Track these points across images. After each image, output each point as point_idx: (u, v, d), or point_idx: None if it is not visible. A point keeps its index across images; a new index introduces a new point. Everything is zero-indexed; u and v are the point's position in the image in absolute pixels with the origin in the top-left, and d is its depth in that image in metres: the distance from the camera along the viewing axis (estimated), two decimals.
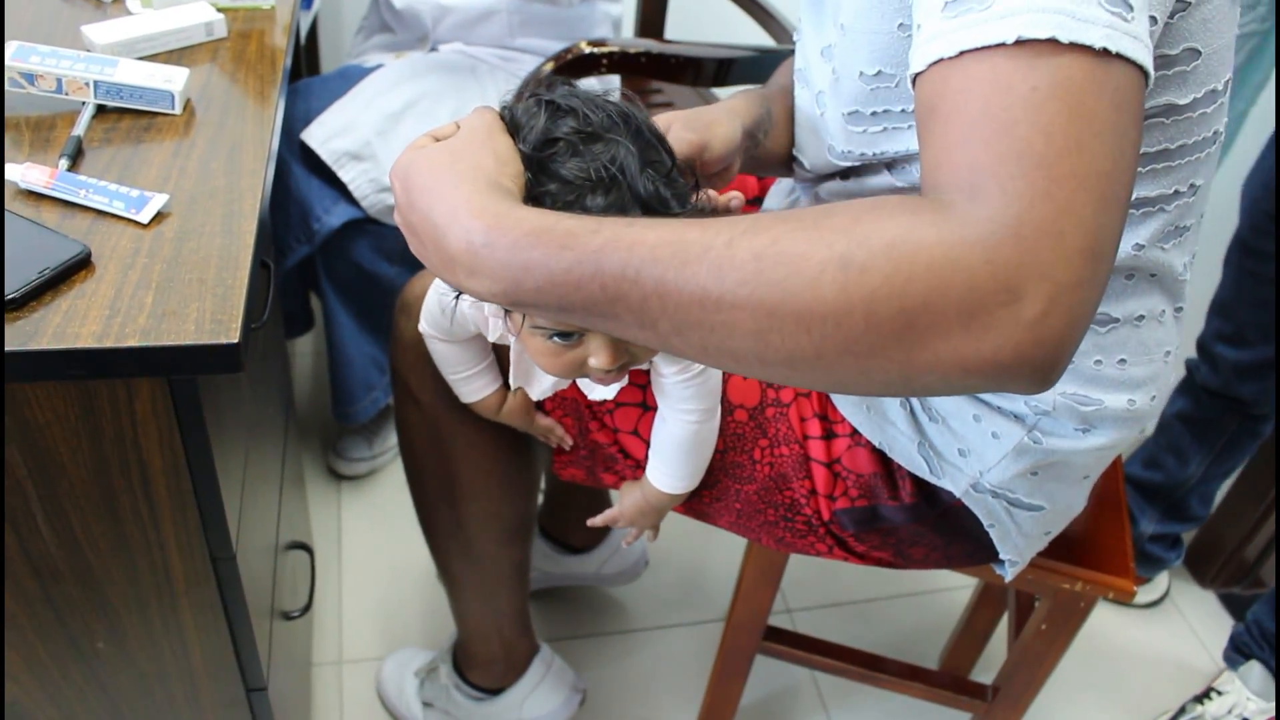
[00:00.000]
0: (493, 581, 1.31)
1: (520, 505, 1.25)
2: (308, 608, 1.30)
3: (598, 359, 0.75)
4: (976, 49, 0.57)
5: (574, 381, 1.02)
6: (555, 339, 0.76)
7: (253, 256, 0.85)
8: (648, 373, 0.99)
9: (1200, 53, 0.73)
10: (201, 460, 0.85)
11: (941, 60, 0.59)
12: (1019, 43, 0.56)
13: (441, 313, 0.96)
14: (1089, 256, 0.54)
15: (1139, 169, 0.78)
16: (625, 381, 0.97)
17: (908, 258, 0.54)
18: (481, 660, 1.42)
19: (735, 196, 0.95)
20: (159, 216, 0.88)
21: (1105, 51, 0.56)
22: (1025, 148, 0.55)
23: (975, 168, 0.56)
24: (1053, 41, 0.56)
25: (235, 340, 0.77)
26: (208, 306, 0.79)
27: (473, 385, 1.05)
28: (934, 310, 0.54)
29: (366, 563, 1.75)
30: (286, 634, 1.24)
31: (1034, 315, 0.53)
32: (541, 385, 0.98)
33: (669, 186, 0.74)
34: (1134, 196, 0.79)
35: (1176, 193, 0.81)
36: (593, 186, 0.70)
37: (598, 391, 0.96)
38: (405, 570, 1.73)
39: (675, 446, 0.98)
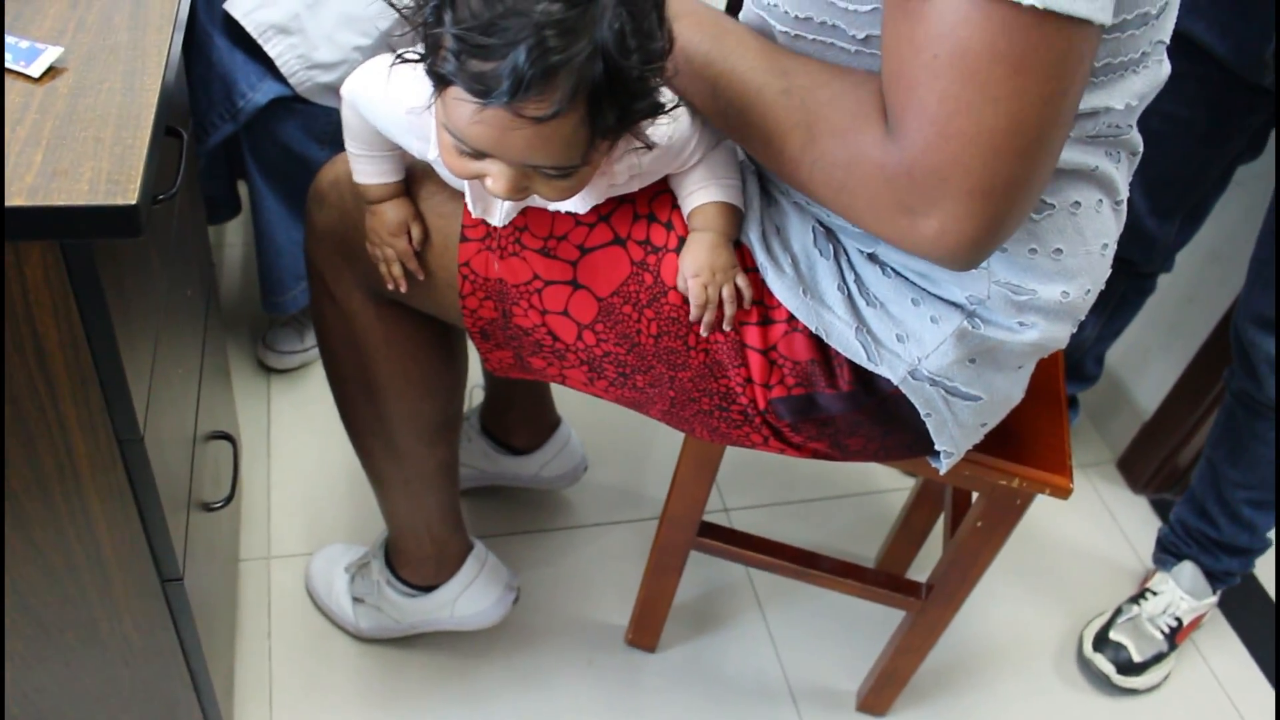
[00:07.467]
0: (418, 481, 1.28)
1: (443, 404, 1.22)
2: (229, 499, 1.26)
3: (494, 183, 0.78)
4: None
5: (499, 259, 0.98)
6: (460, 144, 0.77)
7: (155, 117, 0.79)
8: (580, 248, 0.96)
9: None
10: (102, 334, 0.80)
11: None
12: None
13: (391, 100, 0.89)
14: (977, 195, 0.71)
15: None
16: (591, 200, 0.94)
17: (858, 170, 0.77)
18: (412, 558, 1.40)
19: None
20: (52, 71, 0.81)
21: (1033, 9, 0.65)
22: (923, 108, 0.70)
23: (894, 108, 0.73)
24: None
25: (133, 202, 0.71)
26: (104, 167, 0.74)
27: (370, 166, 0.99)
28: (875, 205, 0.77)
29: (296, 457, 1.71)
30: (207, 525, 1.20)
31: (930, 232, 0.74)
32: (501, 209, 0.95)
33: (639, 44, 0.72)
34: None
35: (1109, 109, 0.82)
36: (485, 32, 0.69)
37: (565, 203, 0.94)
38: (336, 465, 1.70)
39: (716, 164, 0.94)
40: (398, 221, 1.01)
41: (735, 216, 0.94)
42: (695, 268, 0.92)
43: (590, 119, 0.73)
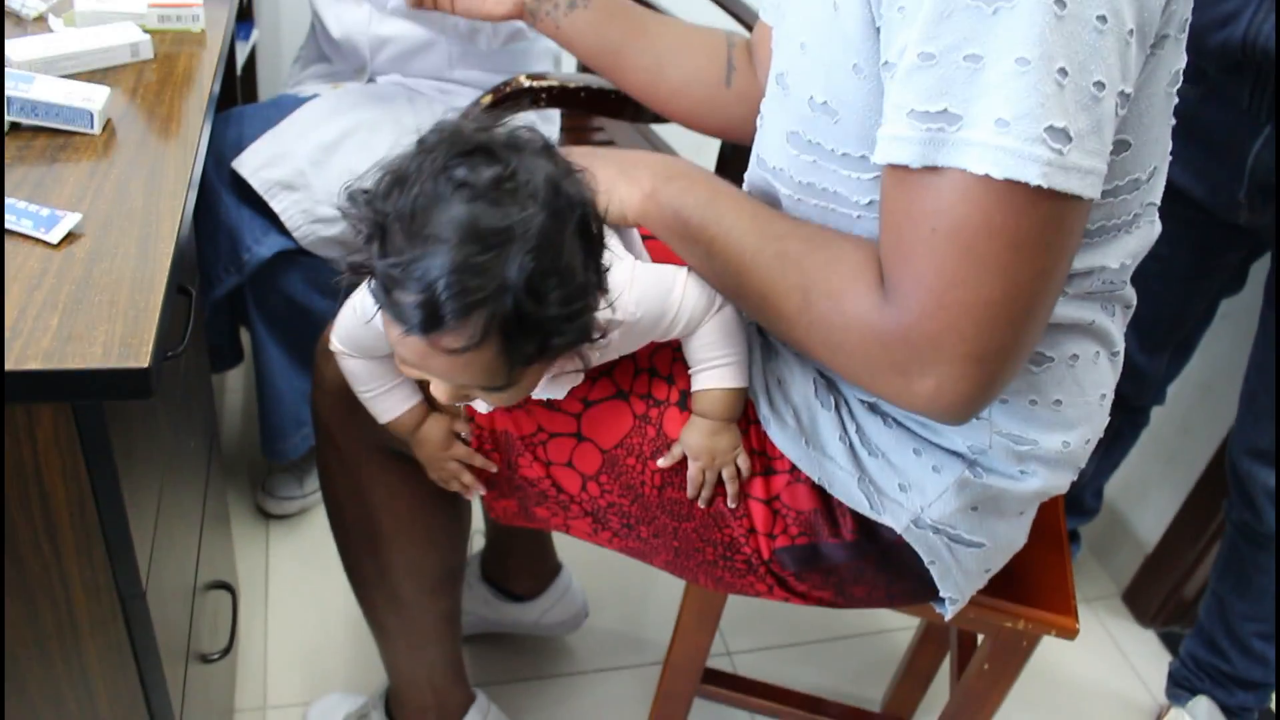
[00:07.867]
0: (420, 631, 1.27)
1: (445, 555, 1.22)
2: (228, 650, 1.25)
3: (433, 389, 0.80)
4: (917, 169, 0.71)
5: (504, 411, 0.99)
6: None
7: (168, 279, 0.81)
8: (583, 401, 0.97)
9: (1131, 145, 0.77)
10: (109, 493, 0.81)
11: (894, 165, 0.72)
12: (959, 171, 0.69)
13: (359, 320, 0.92)
14: (972, 360, 0.73)
15: None
16: (574, 381, 0.94)
17: (854, 333, 0.78)
18: (414, 709, 1.37)
19: None
20: (70, 237, 0.84)
21: (1029, 187, 0.68)
22: (919, 277, 0.72)
23: (891, 275, 0.75)
24: (985, 177, 0.68)
25: (145, 365, 0.73)
26: (117, 330, 0.76)
27: (386, 402, 1.01)
28: (870, 366, 0.78)
29: (294, 604, 1.69)
30: (204, 678, 1.18)
31: (926, 392, 0.76)
32: (485, 403, 0.95)
33: (557, 284, 0.72)
34: None
35: (1104, 268, 0.84)
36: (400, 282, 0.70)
37: (545, 391, 0.94)
38: (335, 613, 1.68)
39: (721, 336, 0.93)
40: (443, 436, 1.02)
41: (740, 398, 0.94)
42: (695, 452, 0.94)
43: (507, 352, 0.73)
